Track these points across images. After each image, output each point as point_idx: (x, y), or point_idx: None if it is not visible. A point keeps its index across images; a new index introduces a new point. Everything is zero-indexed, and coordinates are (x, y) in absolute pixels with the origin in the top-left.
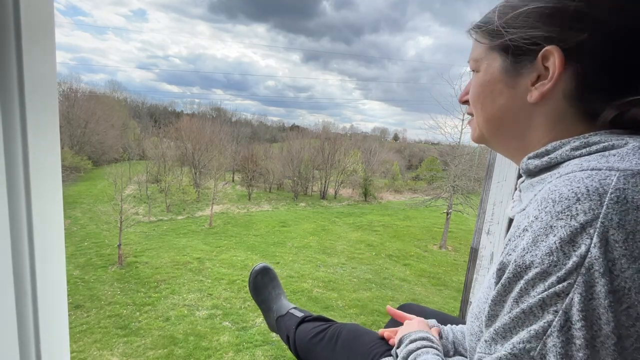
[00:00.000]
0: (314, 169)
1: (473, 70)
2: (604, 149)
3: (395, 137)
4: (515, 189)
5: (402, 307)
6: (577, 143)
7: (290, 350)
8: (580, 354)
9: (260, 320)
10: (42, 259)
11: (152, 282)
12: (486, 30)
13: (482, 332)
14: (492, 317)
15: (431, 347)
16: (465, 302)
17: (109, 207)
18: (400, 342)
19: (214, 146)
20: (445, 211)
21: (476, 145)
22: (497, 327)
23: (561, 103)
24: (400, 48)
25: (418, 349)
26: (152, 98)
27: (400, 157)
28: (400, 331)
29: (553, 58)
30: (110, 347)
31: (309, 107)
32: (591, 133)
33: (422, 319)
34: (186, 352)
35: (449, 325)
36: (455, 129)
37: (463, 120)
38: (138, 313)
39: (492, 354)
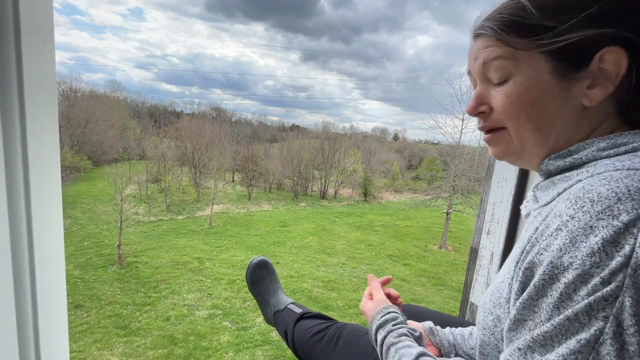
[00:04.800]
0: (314, 169)
1: (499, 77)
2: (634, 150)
3: (395, 137)
4: (522, 190)
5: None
6: (603, 144)
7: (288, 346)
8: None
9: (260, 320)
10: (42, 258)
11: (152, 282)
12: (522, 28)
13: (496, 326)
14: (521, 322)
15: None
16: (465, 302)
17: (109, 207)
18: (374, 327)
19: (214, 146)
20: (445, 211)
21: (476, 145)
22: (535, 335)
23: (608, 106)
24: (399, 47)
25: (393, 337)
26: (152, 98)
27: (400, 157)
28: (366, 311)
29: (616, 60)
30: (110, 347)
31: (308, 106)
32: (616, 134)
33: (381, 298)
34: (186, 352)
35: (448, 327)
36: (455, 128)
37: (463, 120)
38: (138, 313)
39: None
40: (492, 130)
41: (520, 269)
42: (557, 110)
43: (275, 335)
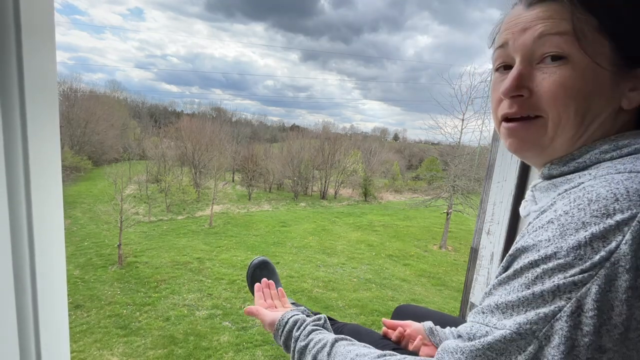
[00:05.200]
0: (314, 169)
1: (552, 53)
2: (636, 152)
3: (395, 137)
4: (522, 190)
5: (400, 308)
6: (606, 146)
7: None
8: (586, 339)
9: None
10: (43, 258)
11: (152, 282)
12: (603, 2)
13: None
14: (490, 294)
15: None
16: (465, 303)
17: (109, 207)
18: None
19: (214, 146)
20: (445, 211)
21: (476, 145)
22: (499, 301)
23: (635, 112)
24: (399, 47)
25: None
26: (152, 98)
27: (400, 157)
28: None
29: None
30: (110, 347)
31: (308, 107)
32: (617, 135)
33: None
34: (186, 352)
35: (448, 327)
36: (455, 129)
37: (463, 120)
38: (138, 313)
39: (487, 325)
40: (523, 118)
41: (507, 256)
42: (602, 105)
43: None
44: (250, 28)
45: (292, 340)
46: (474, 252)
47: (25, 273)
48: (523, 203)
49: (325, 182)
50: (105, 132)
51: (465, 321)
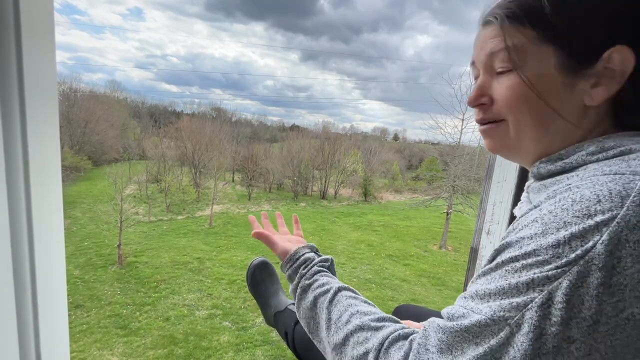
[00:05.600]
0: (314, 169)
1: (503, 67)
2: (622, 154)
3: (395, 137)
4: (522, 190)
5: (399, 308)
6: (592, 148)
7: (289, 347)
8: (553, 329)
9: (260, 320)
10: (42, 258)
11: (152, 282)
12: (534, 19)
13: None
14: (472, 284)
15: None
16: None
17: (109, 207)
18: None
19: (214, 146)
20: (445, 211)
21: (476, 145)
22: (479, 289)
23: (608, 108)
24: (399, 47)
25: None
26: (152, 98)
27: (400, 157)
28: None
29: (622, 60)
30: (110, 346)
31: (308, 107)
32: (604, 137)
33: (291, 237)
34: (186, 352)
35: None
36: (455, 129)
37: (463, 120)
38: (138, 313)
39: (465, 308)
40: (489, 122)
41: (493, 250)
42: (559, 106)
43: (275, 335)
44: (250, 28)
45: (298, 276)
46: (474, 252)
47: (25, 273)
48: (519, 205)
49: (325, 182)
50: (105, 132)
51: None
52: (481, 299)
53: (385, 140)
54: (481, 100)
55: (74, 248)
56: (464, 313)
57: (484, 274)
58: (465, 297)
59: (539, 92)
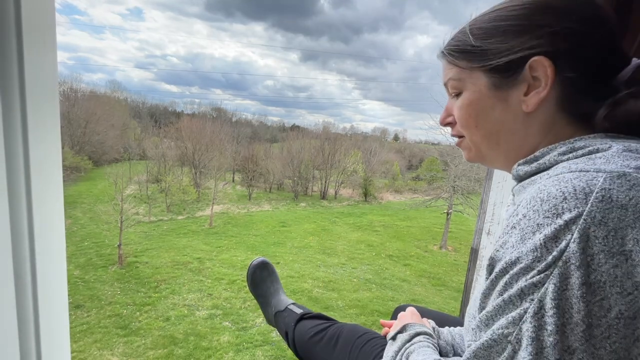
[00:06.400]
0: (314, 169)
1: (454, 92)
2: (590, 153)
3: (396, 137)
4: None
5: (400, 308)
6: (563, 148)
7: (289, 346)
8: (551, 339)
9: (260, 320)
10: (43, 258)
11: (152, 282)
12: (463, 52)
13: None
14: (481, 309)
15: (429, 341)
16: (465, 303)
17: (110, 207)
18: (403, 329)
19: (214, 146)
20: (445, 211)
21: None
22: (481, 316)
23: (552, 109)
24: (399, 47)
25: (416, 341)
26: (152, 98)
27: (400, 157)
28: (400, 321)
29: (542, 67)
30: (110, 347)
31: (308, 107)
32: (576, 138)
33: (414, 310)
34: (186, 352)
35: (446, 327)
36: None
37: None
38: (138, 313)
39: (477, 341)
40: (458, 137)
41: (487, 266)
42: (499, 117)
43: (275, 335)
44: (249, 28)
45: (410, 336)
46: (474, 253)
47: (25, 273)
48: (507, 207)
49: (326, 182)
50: (106, 132)
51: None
52: (487, 325)
53: (385, 141)
54: (447, 120)
55: (75, 248)
56: (473, 338)
57: (485, 295)
58: (475, 330)
59: (478, 109)
